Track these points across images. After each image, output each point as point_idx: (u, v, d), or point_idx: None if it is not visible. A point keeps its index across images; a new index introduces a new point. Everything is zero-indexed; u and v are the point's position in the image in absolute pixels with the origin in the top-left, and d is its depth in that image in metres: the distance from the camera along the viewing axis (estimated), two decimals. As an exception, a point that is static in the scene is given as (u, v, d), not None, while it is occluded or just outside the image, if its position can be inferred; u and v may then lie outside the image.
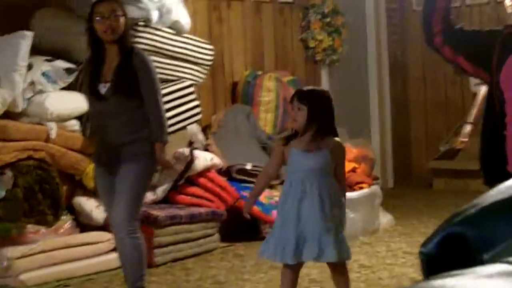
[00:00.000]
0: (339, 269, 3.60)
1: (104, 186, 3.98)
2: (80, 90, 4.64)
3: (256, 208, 5.02)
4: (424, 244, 1.05)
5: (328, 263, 3.54)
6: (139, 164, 3.87)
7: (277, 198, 4.35)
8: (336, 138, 3.53)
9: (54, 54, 5.17)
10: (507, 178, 2.74)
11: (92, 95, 3.95)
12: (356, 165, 6.05)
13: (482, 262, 0.88)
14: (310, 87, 3.85)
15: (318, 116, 3.45)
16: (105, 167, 3.96)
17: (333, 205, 3.47)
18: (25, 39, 4.90)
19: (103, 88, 3.87)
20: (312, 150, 3.47)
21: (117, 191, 3.87)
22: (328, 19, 7.17)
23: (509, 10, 3.62)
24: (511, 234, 0.91)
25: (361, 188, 5.88)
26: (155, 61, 4.53)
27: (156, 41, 5.38)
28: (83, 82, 4.16)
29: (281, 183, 4.38)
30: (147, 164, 3.90)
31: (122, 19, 3.83)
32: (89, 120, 4.70)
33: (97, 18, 3.81)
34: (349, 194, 5.71)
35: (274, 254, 3.48)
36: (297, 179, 3.49)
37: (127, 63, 3.84)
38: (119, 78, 3.83)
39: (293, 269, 3.52)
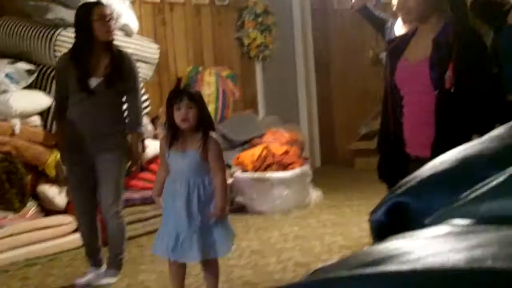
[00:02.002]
0: (208, 266, 3.46)
1: (77, 172, 4.07)
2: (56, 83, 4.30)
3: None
4: (372, 213, 1.09)
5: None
6: (117, 154, 4.03)
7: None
8: (211, 133, 3.33)
9: (15, 56, 5.26)
10: (403, 158, 3.00)
11: (82, 87, 3.97)
12: (288, 148, 6.26)
13: (423, 226, 0.93)
14: (185, 86, 3.64)
15: (206, 114, 3.35)
16: (79, 154, 4.03)
17: (207, 203, 3.32)
18: (-11, 44, 4.95)
19: (94, 82, 3.96)
20: (184, 150, 3.30)
21: (101, 179, 4.01)
22: (260, 19, 7.32)
23: (394, 8, 3.95)
24: (445, 202, 0.95)
25: (293, 168, 6.10)
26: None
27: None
28: (65, 76, 4.06)
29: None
30: (122, 154, 4.08)
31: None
32: (61, 111, 4.29)
33: (99, 20, 3.94)
34: (282, 174, 5.96)
35: (161, 250, 3.40)
36: (172, 178, 3.37)
37: (117, 62, 3.99)
38: (112, 75, 3.96)
39: (178, 264, 3.45)
